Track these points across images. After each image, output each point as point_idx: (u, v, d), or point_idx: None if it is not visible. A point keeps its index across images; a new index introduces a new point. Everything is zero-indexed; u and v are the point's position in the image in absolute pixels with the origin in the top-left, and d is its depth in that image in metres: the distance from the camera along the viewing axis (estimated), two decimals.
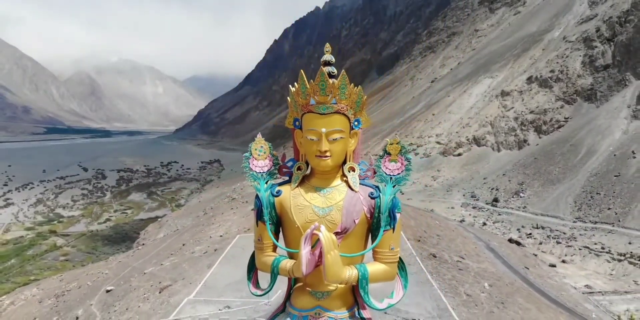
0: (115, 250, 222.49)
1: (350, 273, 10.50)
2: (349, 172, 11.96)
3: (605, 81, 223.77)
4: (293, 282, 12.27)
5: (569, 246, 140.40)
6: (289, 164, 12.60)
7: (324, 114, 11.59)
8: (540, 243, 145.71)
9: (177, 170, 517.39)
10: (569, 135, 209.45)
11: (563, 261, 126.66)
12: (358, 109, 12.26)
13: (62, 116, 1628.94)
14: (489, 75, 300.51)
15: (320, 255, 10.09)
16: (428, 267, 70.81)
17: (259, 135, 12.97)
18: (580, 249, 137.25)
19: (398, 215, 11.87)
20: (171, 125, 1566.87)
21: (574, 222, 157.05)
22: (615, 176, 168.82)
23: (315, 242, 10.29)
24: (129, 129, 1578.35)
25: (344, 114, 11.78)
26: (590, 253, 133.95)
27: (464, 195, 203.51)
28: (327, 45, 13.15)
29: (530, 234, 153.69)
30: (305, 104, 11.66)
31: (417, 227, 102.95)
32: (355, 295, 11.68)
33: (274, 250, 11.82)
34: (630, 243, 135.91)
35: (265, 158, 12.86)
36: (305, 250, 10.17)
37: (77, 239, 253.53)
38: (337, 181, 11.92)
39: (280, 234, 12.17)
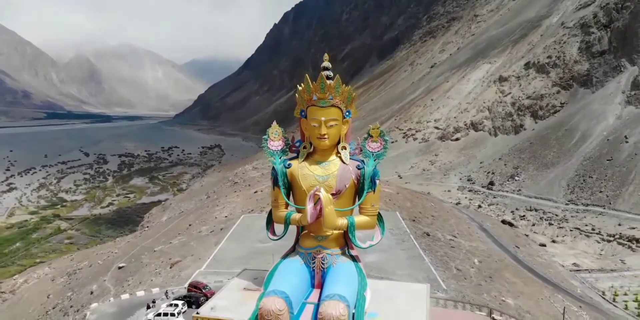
0: (118, 233, 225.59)
1: (342, 222, 16.36)
2: (342, 150, 17.46)
3: (601, 67, 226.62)
4: (300, 229, 17.84)
5: (560, 227, 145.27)
6: (297, 144, 18.05)
7: (323, 107, 16.67)
8: (533, 224, 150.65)
9: (178, 155, 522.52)
10: (564, 120, 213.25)
11: (553, 241, 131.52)
12: (349, 103, 17.12)
13: (62, 101, 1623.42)
14: (487, 61, 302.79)
15: (320, 210, 15.76)
16: (421, 244, 75.59)
17: (274, 122, 18.40)
18: (571, 230, 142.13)
19: (377, 181, 17.12)
20: (171, 110, 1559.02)
21: (567, 204, 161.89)
22: (607, 160, 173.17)
23: (317, 201, 15.56)
24: (129, 113, 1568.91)
25: (338, 107, 16.78)
26: (580, 234, 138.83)
27: (460, 179, 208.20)
28: (326, 55, 17.93)
29: (523, 216, 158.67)
30: (309, 99, 16.82)
31: (413, 208, 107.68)
32: (345, 239, 17.42)
33: (286, 207, 17.37)
34: (619, 224, 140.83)
35: (279, 139, 18.14)
36: (309, 206, 15.77)
37: (80, 222, 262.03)
38: (333, 157, 17.40)
39: (291, 197, 17.61)
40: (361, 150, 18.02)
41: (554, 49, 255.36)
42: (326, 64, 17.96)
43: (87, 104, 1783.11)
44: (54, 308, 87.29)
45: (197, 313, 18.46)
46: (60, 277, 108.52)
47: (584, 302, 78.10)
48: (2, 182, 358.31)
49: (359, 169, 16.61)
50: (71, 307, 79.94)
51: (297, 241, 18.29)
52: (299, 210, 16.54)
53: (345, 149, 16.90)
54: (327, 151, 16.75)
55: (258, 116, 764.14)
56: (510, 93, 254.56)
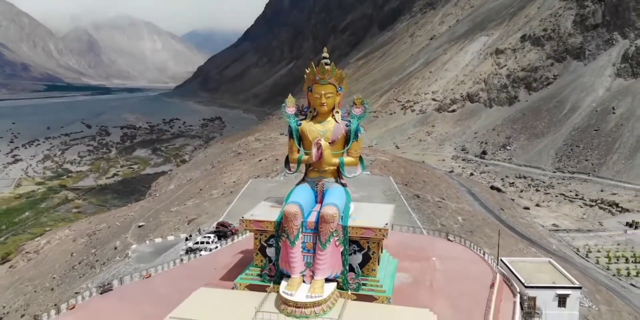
0: (124, 202, 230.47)
1: (336, 160, 26.87)
2: (336, 113, 27.57)
3: (594, 40, 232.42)
4: (307, 166, 27.63)
5: (546, 193, 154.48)
6: (306, 109, 28.19)
7: (323, 84, 26.56)
8: (522, 191, 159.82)
9: (180, 127, 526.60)
10: (556, 92, 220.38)
11: (537, 205, 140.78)
12: (341, 81, 26.81)
13: (61, 73, 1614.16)
14: (485, 33, 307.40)
15: (321, 152, 25.64)
16: (411, 204, 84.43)
17: (290, 95, 28.22)
18: (556, 196, 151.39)
19: (360, 134, 26.92)
20: (170, 82, 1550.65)
21: (554, 172, 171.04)
22: (594, 130, 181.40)
23: (319, 147, 28.94)
24: (129, 85, 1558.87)
25: (333, 84, 26.74)
26: (565, 199, 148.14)
27: (455, 149, 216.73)
28: (325, 50, 27.15)
29: (512, 182, 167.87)
30: (314, 79, 26.52)
31: (406, 175, 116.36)
32: (337, 171, 27.46)
33: (298, 152, 26.97)
34: (602, 190, 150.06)
35: (293, 106, 28.04)
36: (314, 150, 26.09)
37: (87, 192, 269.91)
38: (330, 118, 27.61)
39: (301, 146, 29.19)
40: (349, 114, 28.65)
41: (550, 21, 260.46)
42: (325, 54, 27.75)
43: (86, 76, 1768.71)
44: (79, 263, 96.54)
45: (242, 217, 28.75)
46: (80, 237, 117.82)
47: (558, 256, 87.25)
48: (7, 154, 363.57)
49: (347, 126, 27.71)
50: (97, 261, 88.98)
51: (305, 174, 28.71)
52: (307, 153, 27.24)
53: (338, 113, 28.11)
54: (326, 114, 27.96)
55: (258, 88, 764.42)
56: (505, 65, 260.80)
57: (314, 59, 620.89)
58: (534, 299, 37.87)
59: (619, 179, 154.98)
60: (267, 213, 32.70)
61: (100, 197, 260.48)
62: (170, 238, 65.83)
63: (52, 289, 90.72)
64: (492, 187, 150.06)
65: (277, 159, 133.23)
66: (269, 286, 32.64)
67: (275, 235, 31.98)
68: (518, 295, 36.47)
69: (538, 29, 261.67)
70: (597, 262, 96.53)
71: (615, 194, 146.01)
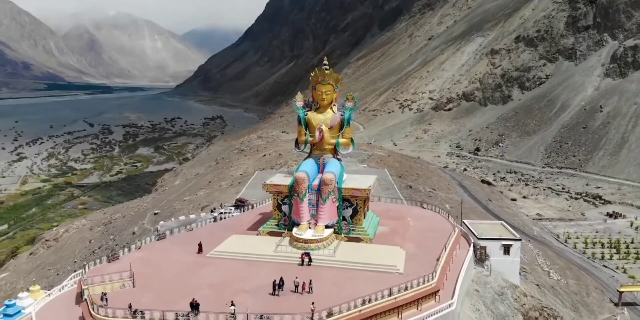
0: (129, 199, 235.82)
1: (333, 141, 38.19)
2: (333, 106, 38.62)
3: (585, 41, 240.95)
4: (312, 146, 38.78)
5: (535, 187, 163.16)
6: (311, 103, 39.55)
7: (323, 84, 37.89)
8: (512, 185, 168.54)
9: (181, 126, 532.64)
10: (548, 91, 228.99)
11: (524, 197, 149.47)
12: (337, 82, 38.42)
13: (62, 72, 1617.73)
14: (481, 34, 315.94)
15: (323, 135, 36.55)
16: (403, 193, 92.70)
17: (299, 93, 39.05)
18: (544, 190, 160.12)
19: (351, 122, 37.81)
20: (171, 80, 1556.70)
21: (543, 167, 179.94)
22: (582, 128, 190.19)
23: (321, 131, 44.85)
24: (129, 84, 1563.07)
25: (331, 84, 37.77)
26: (552, 192, 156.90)
27: (450, 146, 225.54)
28: (325, 58, 37.19)
29: (503, 177, 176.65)
30: (317, 80, 37.69)
31: (401, 168, 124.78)
32: (335, 150, 38.25)
33: (305, 135, 37.59)
34: (587, 184, 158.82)
35: (301, 101, 39.27)
36: (317, 133, 37.52)
37: (92, 189, 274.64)
38: (329, 110, 39.41)
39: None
40: (343, 106, 40.01)
41: (543, 23, 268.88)
42: (325, 62, 38.27)
43: (86, 75, 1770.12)
44: (99, 248, 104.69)
45: (264, 182, 39.52)
46: (97, 226, 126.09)
47: (538, 241, 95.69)
48: (12, 152, 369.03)
49: (341, 115, 39.28)
50: (116, 245, 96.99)
51: (310, 151, 40.42)
52: (311, 136, 38.24)
53: (335, 106, 39.08)
54: (326, 107, 39.71)
55: (258, 87, 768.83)
56: (500, 65, 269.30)
57: (315, 58, 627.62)
58: (484, 248, 50.87)
59: (604, 173, 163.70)
60: (282, 180, 47.87)
61: (105, 193, 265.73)
62: (192, 216, 75.58)
63: (75, 271, 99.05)
64: (483, 181, 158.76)
65: (280, 154, 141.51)
66: (284, 232, 47.40)
67: (288, 195, 46.54)
68: (472, 244, 49.29)
69: (532, 30, 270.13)
70: (575, 247, 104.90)
71: (599, 187, 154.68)
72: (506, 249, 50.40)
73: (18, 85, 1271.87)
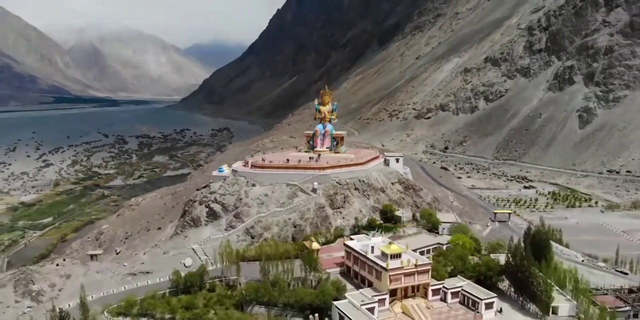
0: None
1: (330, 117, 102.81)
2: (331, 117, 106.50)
3: (538, 62, 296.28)
4: (321, 119, 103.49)
5: (484, 173, 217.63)
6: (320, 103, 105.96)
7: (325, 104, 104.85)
8: (467, 172, 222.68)
9: (191, 137, 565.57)
10: (505, 103, 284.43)
11: (468, 176, 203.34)
12: (333, 98, 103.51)
13: (67, 86, 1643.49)
14: (458, 55, 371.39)
15: (325, 114, 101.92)
16: None
17: (316, 99, 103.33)
18: (490, 175, 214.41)
19: (336, 110, 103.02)
20: (174, 94, 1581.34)
21: (492, 160, 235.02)
22: (525, 130, 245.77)
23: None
24: (134, 98, 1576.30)
25: (330, 102, 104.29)
26: (494, 176, 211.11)
27: (425, 146, 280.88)
28: (326, 87, 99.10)
29: (462, 167, 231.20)
30: (321, 100, 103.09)
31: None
32: (330, 120, 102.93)
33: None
34: (520, 170, 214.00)
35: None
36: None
37: (120, 189, 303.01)
38: (328, 105, 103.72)
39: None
40: (333, 104, 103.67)
41: (507, 46, 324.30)
42: (327, 90, 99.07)
43: (92, 89, 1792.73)
44: (173, 207, 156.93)
45: (305, 132, 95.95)
46: (165, 196, 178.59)
47: (463, 196, 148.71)
48: (37, 159, 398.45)
49: (332, 106, 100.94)
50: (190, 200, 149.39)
51: (320, 121, 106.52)
52: (321, 113, 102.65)
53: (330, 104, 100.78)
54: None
55: (262, 101, 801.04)
56: (471, 82, 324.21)
57: (317, 72, 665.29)
58: (388, 160, 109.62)
59: (535, 163, 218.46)
60: (309, 132, 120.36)
61: (132, 193, 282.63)
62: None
63: (163, 218, 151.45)
64: (442, 168, 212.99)
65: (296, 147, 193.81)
66: (310, 151, 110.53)
67: (312, 137, 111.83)
68: (383, 158, 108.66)
69: (497, 52, 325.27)
70: (488, 201, 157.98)
71: (528, 172, 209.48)
72: (397, 160, 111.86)
73: (25, 98, 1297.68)
